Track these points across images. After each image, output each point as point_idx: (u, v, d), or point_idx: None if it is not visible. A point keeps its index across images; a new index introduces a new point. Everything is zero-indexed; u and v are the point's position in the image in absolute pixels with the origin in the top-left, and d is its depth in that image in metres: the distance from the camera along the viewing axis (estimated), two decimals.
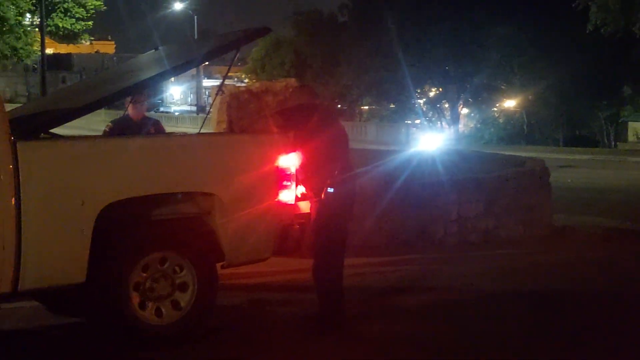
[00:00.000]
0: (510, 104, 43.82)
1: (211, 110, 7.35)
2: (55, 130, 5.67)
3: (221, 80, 6.47)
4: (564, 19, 32.73)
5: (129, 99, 7.58)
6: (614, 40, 31.30)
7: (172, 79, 34.57)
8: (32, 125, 5.60)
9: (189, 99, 74.76)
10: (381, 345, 5.77)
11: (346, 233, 6.08)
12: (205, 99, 67.73)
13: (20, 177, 4.98)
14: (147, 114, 8.53)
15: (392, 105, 48.04)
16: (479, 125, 44.81)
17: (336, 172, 5.89)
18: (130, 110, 7.87)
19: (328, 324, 5.90)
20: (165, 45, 8.16)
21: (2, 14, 27.10)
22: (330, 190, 5.83)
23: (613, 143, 38.95)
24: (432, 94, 46.30)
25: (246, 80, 49.69)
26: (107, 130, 7.81)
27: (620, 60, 33.72)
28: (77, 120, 5.75)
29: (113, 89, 6.44)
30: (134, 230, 5.59)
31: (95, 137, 7.00)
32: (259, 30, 6.85)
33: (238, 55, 6.76)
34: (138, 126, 7.68)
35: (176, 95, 76.16)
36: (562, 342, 5.85)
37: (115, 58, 74.71)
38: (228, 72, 7.24)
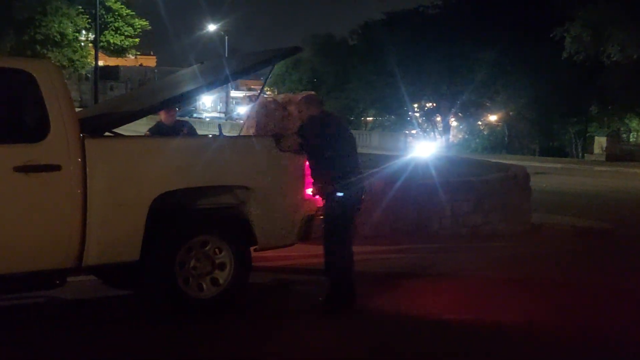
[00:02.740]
0: (493, 118, 43.70)
1: (247, 117, 7.37)
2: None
3: (256, 92, 6.45)
4: (542, 46, 32.65)
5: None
6: (584, 66, 31.26)
7: None
8: (98, 125, 5.64)
9: (219, 107, 74.73)
10: (381, 316, 5.82)
11: (353, 227, 6.02)
12: (233, 107, 67.78)
13: (87, 168, 5.02)
14: (181, 118, 8.53)
15: (392, 117, 47.96)
16: (466, 136, 44.63)
17: (343, 174, 5.75)
18: (162, 117, 7.89)
19: (338, 304, 5.84)
20: (204, 61, 8.18)
21: (62, 30, 27.20)
22: (340, 194, 5.73)
23: (581, 154, 38.76)
24: (427, 108, 46.18)
25: (268, 93, 49.69)
26: (146, 134, 7.82)
27: (589, 83, 33.60)
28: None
29: (165, 96, 6.48)
30: (181, 217, 5.61)
31: (150, 136, 7.04)
32: (291, 49, 6.84)
33: (272, 70, 6.78)
34: (172, 130, 7.70)
35: (207, 103, 76.12)
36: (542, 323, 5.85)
37: (156, 71, 74.62)
38: (264, 85, 7.31)
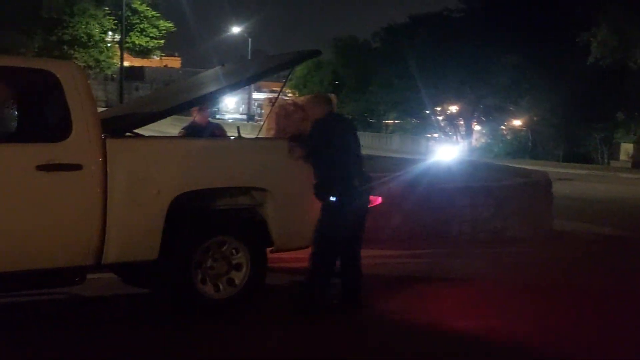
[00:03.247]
0: (517, 122, 43.44)
1: (265, 119, 7.41)
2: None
3: (275, 95, 6.49)
4: (567, 50, 32.39)
5: (196, 107, 7.68)
6: (611, 71, 30.93)
7: None
8: (119, 126, 5.71)
9: (241, 109, 75.06)
10: (392, 317, 5.85)
11: (359, 233, 5.90)
12: (254, 109, 68.01)
13: (108, 168, 5.09)
14: (212, 120, 8.65)
15: (414, 120, 47.84)
16: (489, 140, 44.37)
17: (340, 178, 5.66)
18: (196, 117, 7.98)
19: (306, 305, 5.75)
20: (228, 62, 8.25)
21: (88, 31, 27.54)
22: (333, 199, 5.65)
23: (607, 161, 38.34)
24: (449, 111, 46.01)
25: (290, 95, 49.83)
26: (180, 134, 7.94)
27: (616, 89, 33.25)
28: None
29: (187, 98, 6.54)
30: (199, 217, 5.66)
31: (170, 137, 7.12)
32: (311, 52, 6.88)
33: (291, 72, 6.80)
34: (204, 130, 7.80)
35: (230, 105, 76.51)
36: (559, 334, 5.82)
37: (180, 72, 75.21)
38: (283, 87, 7.39)
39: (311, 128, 5.83)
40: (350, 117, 49.51)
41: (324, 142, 5.69)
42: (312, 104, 6.00)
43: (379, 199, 6.83)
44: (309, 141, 5.76)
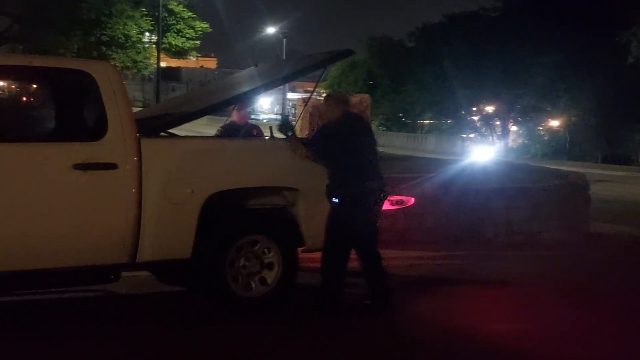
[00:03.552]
0: (554, 123, 42.80)
1: (298, 119, 7.42)
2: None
3: (308, 95, 6.50)
4: (606, 50, 31.81)
5: (234, 106, 7.73)
6: None
7: None
8: (154, 126, 5.77)
9: (275, 109, 75.37)
10: (425, 318, 5.82)
11: (370, 234, 5.80)
12: (289, 109, 68.22)
13: (142, 167, 5.15)
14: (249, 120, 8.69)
15: (449, 121, 47.46)
16: (526, 141, 43.79)
17: (345, 179, 5.61)
18: (235, 116, 8.01)
19: (323, 305, 5.77)
20: (262, 63, 8.28)
21: (126, 32, 27.87)
22: (335, 200, 5.63)
23: None
24: (485, 111, 45.55)
25: (324, 95, 49.76)
26: (218, 133, 7.99)
27: None
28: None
29: (220, 98, 6.58)
30: (232, 216, 5.71)
31: (203, 137, 7.18)
32: (343, 52, 6.86)
33: (324, 72, 6.80)
34: (242, 129, 7.84)
35: (265, 105, 76.90)
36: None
37: (216, 72, 75.87)
38: (316, 87, 7.30)
39: (325, 128, 5.83)
40: (384, 117, 49.54)
41: (334, 144, 5.66)
42: (327, 104, 5.96)
43: (412, 200, 6.79)
44: (318, 141, 5.74)
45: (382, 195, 5.82)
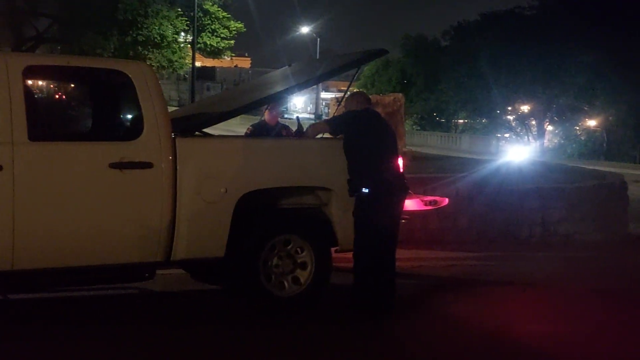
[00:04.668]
0: (591, 123, 42.11)
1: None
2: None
3: (342, 94, 6.49)
4: None
5: (265, 106, 7.75)
6: None
7: None
8: (189, 125, 5.81)
9: (309, 108, 75.47)
10: (458, 320, 5.76)
11: (382, 229, 5.66)
12: (322, 108, 68.23)
13: (177, 167, 5.18)
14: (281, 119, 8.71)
15: (484, 120, 47.01)
16: (562, 141, 43.19)
17: (372, 171, 5.57)
18: (266, 116, 8.05)
19: (357, 300, 5.71)
20: (296, 62, 8.28)
21: (162, 32, 28.11)
22: (365, 190, 5.56)
23: None
24: (520, 111, 45.00)
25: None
26: (248, 132, 8.02)
27: None
28: None
29: (254, 97, 6.60)
30: (265, 216, 5.71)
31: (237, 137, 7.19)
32: (377, 52, 6.82)
33: (358, 72, 6.77)
34: (273, 130, 7.86)
35: (298, 104, 77.05)
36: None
37: (250, 72, 76.33)
38: (349, 87, 7.28)
39: (345, 113, 5.91)
40: (418, 116, 49.23)
41: (350, 124, 5.73)
42: (352, 98, 6.05)
43: (446, 200, 6.72)
44: (336, 119, 5.92)
45: (401, 191, 5.76)
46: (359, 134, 5.71)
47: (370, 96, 6.47)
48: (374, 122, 5.87)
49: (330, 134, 5.89)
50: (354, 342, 5.19)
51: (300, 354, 4.92)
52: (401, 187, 5.76)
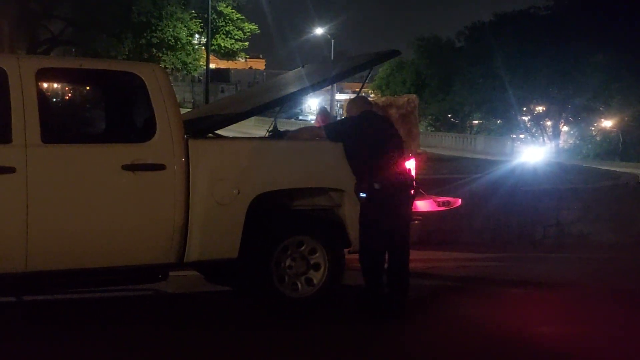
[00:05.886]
0: (607, 123, 41.82)
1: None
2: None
3: (356, 96, 6.46)
4: None
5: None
6: None
7: None
8: (201, 127, 5.82)
9: None
10: (472, 320, 5.73)
11: (383, 231, 5.60)
12: (337, 110, 68.20)
13: (190, 168, 5.18)
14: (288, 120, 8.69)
15: (499, 121, 46.81)
16: (577, 142, 42.93)
17: (368, 176, 5.53)
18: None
19: (368, 301, 5.70)
20: (310, 64, 8.27)
21: (176, 34, 28.22)
22: (363, 195, 5.55)
23: None
24: (535, 112, 44.76)
25: (372, 95, 49.66)
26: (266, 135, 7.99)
27: None
28: None
29: (267, 99, 6.59)
30: (278, 217, 5.70)
31: (250, 138, 7.19)
32: (390, 53, 6.80)
33: (370, 73, 6.75)
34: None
35: (313, 106, 77.07)
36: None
37: (265, 73, 76.51)
38: (362, 87, 7.25)
39: (343, 119, 5.88)
40: (433, 117, 49.09)
41: (346, 129, 5.73)
42: (350, 105, 6.04)
43: (459, 201, 6.68)
44: (333, 125, 5.95)
45: (405, 192, 5.69)
46: (354, 140, 5.67)
47: (384, 97, 6.46)
48: (369, 126, 5.78)
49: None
50: (355, 343, 5.16)
51: (301, 354, 4.90)
52: (405, 188, 5.68)
